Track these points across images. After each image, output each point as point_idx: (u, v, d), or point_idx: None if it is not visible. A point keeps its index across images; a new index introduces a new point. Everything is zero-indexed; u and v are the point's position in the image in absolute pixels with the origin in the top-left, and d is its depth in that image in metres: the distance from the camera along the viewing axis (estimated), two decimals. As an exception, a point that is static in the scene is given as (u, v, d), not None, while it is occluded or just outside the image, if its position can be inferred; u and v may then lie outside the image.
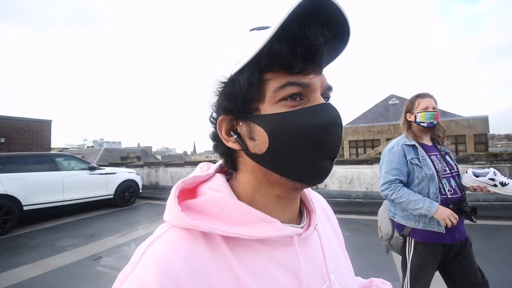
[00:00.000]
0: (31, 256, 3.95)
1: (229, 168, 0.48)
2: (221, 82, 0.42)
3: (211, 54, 0.47)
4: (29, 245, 4.44)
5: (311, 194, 0.54)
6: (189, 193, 0.45)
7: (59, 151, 21.28)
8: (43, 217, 6.02)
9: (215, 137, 0.47)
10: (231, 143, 0.43)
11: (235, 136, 0.42)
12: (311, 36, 0.37)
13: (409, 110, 1.81)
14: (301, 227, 0.46)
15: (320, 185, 7.66)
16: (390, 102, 22.48)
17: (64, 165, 6.59)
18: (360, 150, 18.72)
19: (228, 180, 0.47)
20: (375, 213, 6.87)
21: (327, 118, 0.39)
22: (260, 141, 0.40)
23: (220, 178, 0.46)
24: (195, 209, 0.41)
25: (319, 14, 0.39)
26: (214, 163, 0.52)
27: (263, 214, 0.41)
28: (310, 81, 0.39)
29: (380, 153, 16.65)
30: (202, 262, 0.36)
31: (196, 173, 0.47)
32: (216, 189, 0.43)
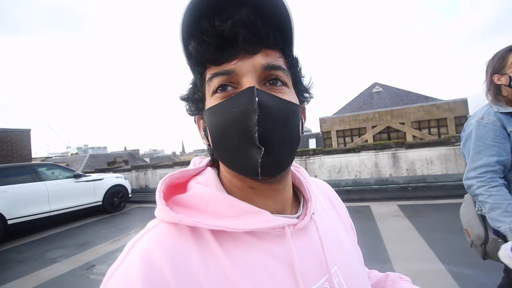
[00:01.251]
0: (20, 270, 3.83)
1: (215, 162, 0.50)
2: (186, 88, 0.47)
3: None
4: (17, 260, 4.30)
5: (308, 182, 0.51)
6: (180, 188, 0.45)
7: (42, 160, 20.56)
8: (30, 229, 5.83)
9: None
10: (204, 140, 0.46)
11: (204, 133, 0.45)
12: (219, 24, 0.37)
13: (498, 70, 1.29)
14: (297, 217, 0.44)
15: (311, 176, 7.75)
16: (374, 90, 22.90)
17: (48, 175, 6.38)
18: (348, 139, 19.04)
19: (219, 174, 0.48)
20: (364, 199, 6.99)
21: (241, 105, 0.36)
22: (209, 135, 0.42)
23: (209, 172, 0.46)
24: (182, 203, 0.42)
25: None
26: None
27: (250, 205, 0.40)
28: (233, 67, 0.38)
29: (366, 141, 17.00)
30: (188, 257, 0.36)
31: (188, 168, 0.47)
32: (204, 183, 0.43)
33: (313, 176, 7.80)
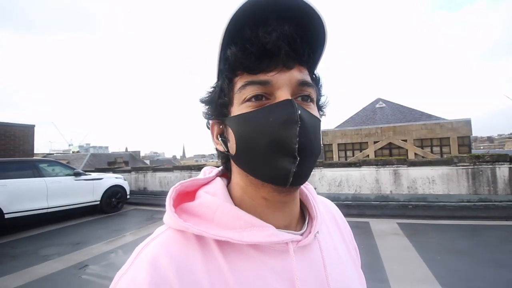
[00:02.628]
0: (13, 265, 3.79)
1: (226, 171, 0.50)
2: (207, 92, 0.47)
3: (206, 66, 0.49)
4: (11, 255, 4.26)
5: (315, 200, 0.52)
6: (189, 196, 0.46)
7: (43, 156, 20.61)
8: (26, 225, 5.79)
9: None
10: (219, 146, 0.46)
11: (220, 139, 0.45)
12: (264, 35, 0.38)
13: None
14: (301, 234, 0.44)
15: (310, 188, 7.72)
16: (377, 105, 23.00)
17: (48, 171, 6.39)
18: (349, 153, 19.00)
19: (228, 184, 0.48)
20: (363, 215, 6.92)
21: (282, 115, 0.37)
22: (232, 142, 0.42)
23: (218, 182, 0.47)
24: (190, 212, 0.43)
25: (278, 10, 0.39)
26: (218, 167, 0.53)
27: (255, 218, 0.41)
28: (270, 78, 0.39)
29: (368, 156, 16.94)
30: (192, 264, 0.37)
31: (198, 177, 0.48)
32: (212, 193, 0.44)
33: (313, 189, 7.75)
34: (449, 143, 16.79)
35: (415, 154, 16.83)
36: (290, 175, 0.37)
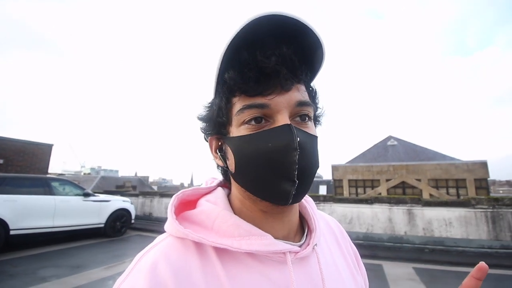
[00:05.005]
0: (10, 285, 3.69)
1: (226, 182, 0.51)
2: (204, 107, 0.48)
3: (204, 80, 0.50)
4: (9, 273, 4.17)
5: (314, 212, 0.52)
6: (190, 205, 0.47)
7: (56, 176, 20.98)
8: (29, 243, 5.74)
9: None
10: (218, 160, 0.48)
11: (219, 154, 0.46)
12: (262, 59, 0.39)
13: None
14: (299, 246, 0.44)
15: (319, 224, 7.41)
16: (389, 143, 22.79)
17: (59, 190, 6.46)
18: (360, 190, 18.47)
19: (229, 194, 0.49)
20: (376, 257, 6.51)
21: (281, 142, 0.38)
22: (231, 161, 0.43)
23: (219, 192, 0.48)
24: (191, 219, 0.43)
25: (275, 31, 0.40)
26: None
27: (254, 227, 0.41)
28: (268, 101, 0.39)
29: (380, 193, 16.40)
30: (190, 270, 0.37)
31: (199, 186, 0.49)
32: (213, 202, 0.45)
33: (322, 224, 7.44)
34: (465, 185, 16.15)
35: (430, 194, 16.18)
36: (290, 197, 0.38)
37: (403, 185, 17.38)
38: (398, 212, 6.74)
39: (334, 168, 19.37)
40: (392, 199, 6.96)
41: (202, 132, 0.49)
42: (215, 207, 0.43)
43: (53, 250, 5.64)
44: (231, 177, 0.46)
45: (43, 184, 6.18)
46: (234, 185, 0.46)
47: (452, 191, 16.42)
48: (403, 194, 15.95)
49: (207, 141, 0.49)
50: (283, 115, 0.39)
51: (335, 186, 19.26)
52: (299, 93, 0.41)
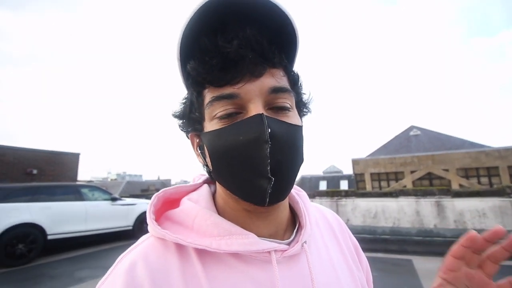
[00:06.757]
0: (51, 286, 3.95)
1: (211, 180, 0.49)
2: (180, 103, 0.45)
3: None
4: (49, 275, 4.45)
5: (306, 207, 0.48)
6: (176, 203, 0.45)
7: (85, 183, 22.13)
8: (64, 247, 6.09)
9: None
10: (199, 158, 0.46)
11: (200, 151, 0.44)
12: (223, 44, 0.35)
13: None
14: (287, 244, 0.41)
15: (343, 219, 7.24)
16: (412, 133, 21.92)
17: (88, 196, 6.79)
18: (383, 184, 17.92)
19: (215, 192, 0.47)
20: (405, 252, 6.25)
21: (251, 134, 0.34)
22: (208, 158, 0.40)
23: (203, 189, 0.46)
24: (172, 219, 0.42)
25: (235, 12, 0.36)
26: None
27: (235, 226, 0.39)
28: (237, 90, 0.36)
29: (405, 186, 15.83)
30: (169, 272, 0.36)
31: (184, 184, 0.48)
32: (195, 200, 0.43)
33: (345, 220, 7.31)
34: (498, 173, 15.22)
35: (460, 185, 15.40)
36: (266, 196, 0.35)
37: (429, 176, 16.66)
38: (426, 205, 6.47)
39: (355, 162, 18.91)
40: (418, 191, 6.70)
41: (181, 129, 0.47)
42: (195, 205, 0.41)
43: (86, 252, 5.96)
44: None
45: (74, 191, 6.53)
46: (217, 183, 0.44)
47: (484, 180, 15.51)
48: (430, 186, 15.30)
49: (188, 138, 0.47)
50: (255, 104, 0.36)
51: (356, 181, 18.81)
52: (273, 79, 0.37)
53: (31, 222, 5.36)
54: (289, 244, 0.42)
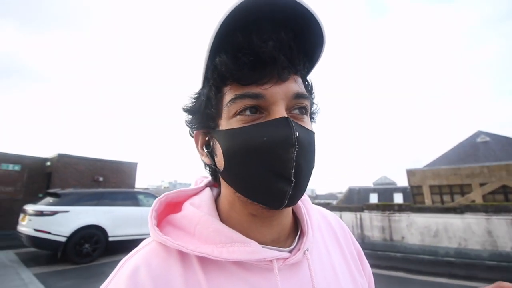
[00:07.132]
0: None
1: (214, 182, 0.48)
2: (191, 98, 0.44)
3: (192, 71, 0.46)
4: (108, 274, 4.92)
5: (308, 212, 0.47)
6: (178, 207, 0.45)
7: (142, 190, 24.32)
8: (122, 248, 6.70)
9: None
10: (205, 157, 0.44)
11: (206, 151, 0.43)
12: (258, 43, 0.35)
13: None
14: (289, 251, 0.41)
15: (397, 237, 6.62)
16: (479, 139, 19.23)
17: (144, 202, 7.42)
18: (446, 198, 15.93)
19: (218, 195, 0.46)
20: (474, 278, 5.50)
21: (278, 136, 0.34)
22: (219, 157, 0.39)
23: (206, 193, 0.46)
24: (175, 224, 0.42)
25: (272, 15, 0.36)
26: None
27: (237, 234, 0.38)
28: (264, 91, 0.35)
29: (473, 201, 13.81)
30: (171, 278, 0.36)
31: (186, 188, 0.48)
32: (197, 205, 0.43)
33: (400, 238, 6.63)
34: None
35: (547, 201, 12.88)
36: (286, 198, 0.35)
37: (504, 190, 14.30)
38: (500, 223, 5.54)
39: (410, 173, 17.24)
40: (489, 207, 5.78)
41: (188, 125, 0.46)
42: (197, 211, 0.41)
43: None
44: (220, 177, 0.43)
45: (132, 197, 7.20)
46: (224, 186, 0.43)
47: None
48: (506, 201, 13.09)
49: (192, 136, 0.45)
50: (280, 107, 0.36)
51: (413, 194, 17.08)
52: (296, 84, 0.38)
53: (96, 224, 6.03)
54: (290, 251, 0.42)
